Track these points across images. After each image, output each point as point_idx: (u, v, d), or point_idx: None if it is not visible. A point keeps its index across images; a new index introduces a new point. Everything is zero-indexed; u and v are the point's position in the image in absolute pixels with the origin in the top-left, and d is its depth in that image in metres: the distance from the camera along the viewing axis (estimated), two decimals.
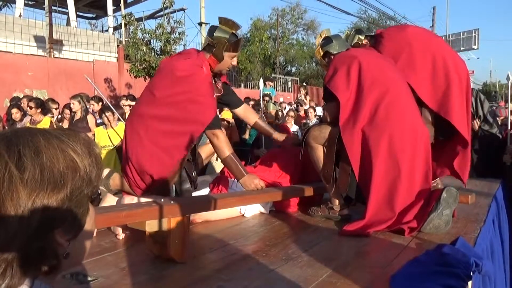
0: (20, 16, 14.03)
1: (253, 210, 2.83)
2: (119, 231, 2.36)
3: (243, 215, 2.79)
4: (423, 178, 2.48)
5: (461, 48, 29.05)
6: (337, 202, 2.75)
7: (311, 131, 2.80)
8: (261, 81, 4.99)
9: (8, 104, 7.33)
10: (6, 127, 6.71)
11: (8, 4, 18.98)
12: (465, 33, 28.82)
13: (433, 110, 2.80)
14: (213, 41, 2.65)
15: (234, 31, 2.69)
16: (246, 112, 3.17)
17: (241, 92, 16.72)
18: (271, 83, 11.72)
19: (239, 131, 6.30)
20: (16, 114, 6.54)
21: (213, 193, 2.87)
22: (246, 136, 6.28)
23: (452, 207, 2.42)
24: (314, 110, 8.24)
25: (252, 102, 8.27)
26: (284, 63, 31.26)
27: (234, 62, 2.78)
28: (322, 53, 2.94)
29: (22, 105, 6.93)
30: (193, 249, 2.11)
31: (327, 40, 2.93)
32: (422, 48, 2.86)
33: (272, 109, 5.46)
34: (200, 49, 2.78)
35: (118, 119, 6.25)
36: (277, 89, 19.94)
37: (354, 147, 2.52)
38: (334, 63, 2.76)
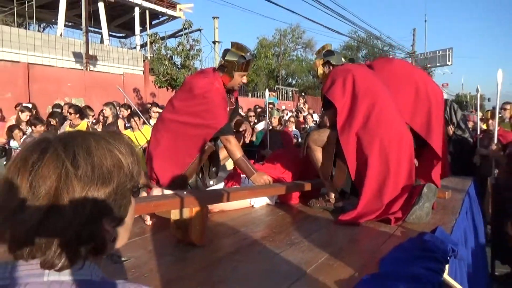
0: (61, 35, 14.12)
1: (261, 202, 2.83)
2: (147, 218, 2.38)
3: (252, 206, 2.80)
4: (407, 175, 2.49)
5: (437, 64, 28.95)
6: (333, 195, 2.76)
7: (311, 135, 2.80)
8: (267, 91, 4.99)
9: (51, 110, 7.38)
10: (49, 130, 6.76)
11: (50, 25, 19.12)
12: (440, 51, 28.75)
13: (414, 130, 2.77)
14: (225, 63, 2.71)
15: (243, 54, 2.71)
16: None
17: (249, 101, 16.75)
18: (274, 93, 11.75)
19: None
20: (53, 121, 6.60)
21: (227, 187, 2.88)
22: (253, 138, 6.29)
23: (432, 201, 2.42)
24: (312, 117, 8.24)
25: (259, 109, 8.28)
26: (285, 76, 31.24)
27: (244, 80, 2.81)
28: (323, 62, 2.91)
29: (63, 111, 6.99)
30: (211, 234, 2.12)
31: (330, 52, 2.93)
32: (406, 78, 2.85)
33: (276, 116, 5.46)
34: (216, 68, 2.84)
35: (144, 123, 6.29)
36: (280, 98, 19.93)
37: (350, 149, 2.52)
38: (332, 75, 2.75)
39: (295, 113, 9.24)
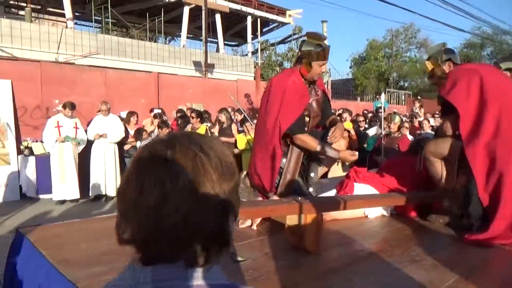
0: (183, 46, 15.50)
1: (376, 212, 2.68)
2: (256, 221, 2.36)
3: (366, 216, 2.67)
4: None
5: None
6: (458, 211, 2.46)
7: (428, 146, 2.51)
8: (383, 95, 4.74)
9: (175, 115, 8.12)
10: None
11: (175, 37, 21.14)
12: None
13: None
14: (302, 54, 2.64)
15: (319, 42, 2.59)
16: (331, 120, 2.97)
17: (358, 105, 16.20)
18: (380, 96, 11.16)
19: (359, 139, 6.10)
20: (181, 124, 7.25)
21: (339, 194, 2.79)
22: (365, 144, 6.04)
23: None
24: (429, 122, 7.59)
25: (370, 115, 7.95)
26: (397, 78, 29.47)
27: (324, 69, 2.68)
28: (442, 60, 2.57)
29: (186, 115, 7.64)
30: (324, 243, 2.06)
31: (451, 50, 2.60)
32: None
33: (397, 121, 5.15)
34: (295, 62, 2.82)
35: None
36: (390, 102, 18.85)
37: (478, 163, 2.17)
38: (453, 76, 2.44)
39: (410, 118, 8.63)
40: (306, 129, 2.74)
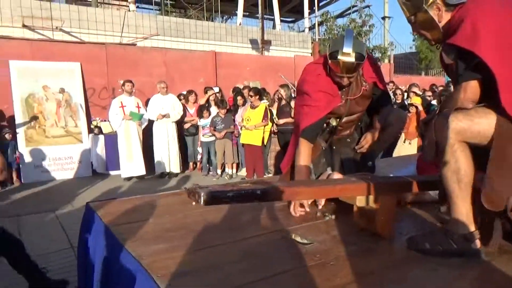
0: (240, 24, 15.37)
1: None
2: (321, 203, 2.24)
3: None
4: None
5: None
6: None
7: (452, 120, 1.47)
8: None
9: (232, 93, 8.09)
10: (232, 110, 7.45)
11: (231, 16, 21.10)
12: None
13: None
14: None
15: (336, 50, 2.12)
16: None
17: (423, 80, 15.22)
18: None
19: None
20: (240, 100, 7.19)
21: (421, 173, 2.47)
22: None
23: None
24: None
25: (441, 88, 7.37)
26: None
27: (344, 82, 2.23)
28: (429, 2, 1.61)
29: (244, 93, 7.58)
30: (401, 228, 1.88)
31: None
32: None
33: None
34: None
35: None
36: None
37: None
38: (471, 17, 1.49)
39: None
40: (327, 130, 2.53)
